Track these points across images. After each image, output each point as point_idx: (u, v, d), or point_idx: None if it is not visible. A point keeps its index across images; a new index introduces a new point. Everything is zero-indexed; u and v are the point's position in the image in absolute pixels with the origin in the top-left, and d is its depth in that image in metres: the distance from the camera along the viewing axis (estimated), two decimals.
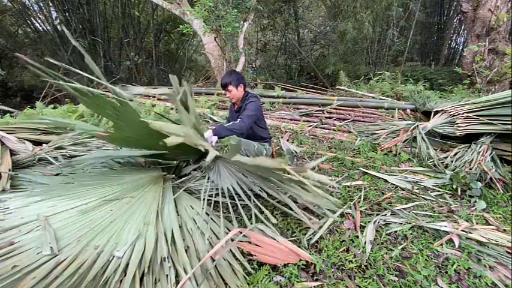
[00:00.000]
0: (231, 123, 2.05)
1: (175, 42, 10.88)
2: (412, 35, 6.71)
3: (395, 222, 1.72)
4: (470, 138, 2.58)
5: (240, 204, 1.65)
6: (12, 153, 2.57)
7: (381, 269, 1.36)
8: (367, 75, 5.90)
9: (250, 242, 1.42)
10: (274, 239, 1.46)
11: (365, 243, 1.53)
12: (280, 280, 1.30)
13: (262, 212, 1.58)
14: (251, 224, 1.59)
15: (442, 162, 2.46)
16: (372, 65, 8.12)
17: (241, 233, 1.45)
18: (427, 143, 2.71)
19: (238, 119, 2.07)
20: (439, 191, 2.10)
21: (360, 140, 3.08)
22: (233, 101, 2.28)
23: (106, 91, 1.45)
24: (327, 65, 8.56)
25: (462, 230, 1.60)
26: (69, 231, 1.51)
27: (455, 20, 9.08)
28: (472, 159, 2.27)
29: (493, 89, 4.88)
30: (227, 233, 1.57)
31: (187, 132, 1.38)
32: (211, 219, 1.70)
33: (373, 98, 4.36)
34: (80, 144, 3.10)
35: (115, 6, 8.77)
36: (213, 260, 1.40)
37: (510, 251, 1.45)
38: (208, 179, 1.85)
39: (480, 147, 2.38)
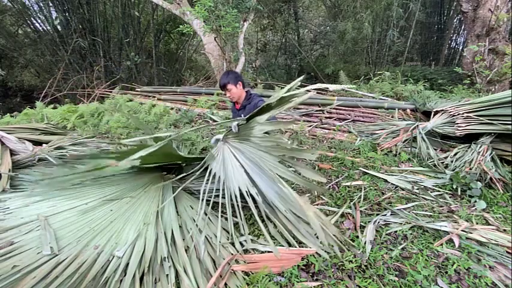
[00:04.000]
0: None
1: (175, 42, 10.88)
2: (412, 35, 6.71)
3: (395, 222, 1.72)
4: (470, 138, 2.57)
5: (240, 204, 1.65)
6: (12, 153, 2.57)
7: (381, 269, 1.36)
8: (367, 75, 5.90)
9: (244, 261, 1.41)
10: (269, 251, 1.45)
11: (365, 243, 1.53)
12: (280, 280, 1.30)
13: (262, 218, 1.56)
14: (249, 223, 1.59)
15: (442, 162, 2.46)
16: (372, 65, 8.11)
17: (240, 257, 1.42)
18: (427, 143, 2.71)
19: None
20: (439, 191, 2.10)
21: (360, 140, 3.08)
22: (234, 101, 2.27)
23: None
24: (327, 65, 8.55)
25: (462, 230, 1.60)
26: (69, 231, 1.51)
27: (455, 20, 9.07)
28: (472, 159, 2.27)
29: (493, 89, 4.88)
30: (226, 237, 1.58)
31: None
32: (210, 219, 1.70)
33: (373, 98, 4.36)
34: (79, 144, 3.11)
35: (115, 6, 8.76)
36: (213, 261, 1.41)
37: (510, 251, 1.45)
38: (210, 172, 1.82)
39: (480, 147, 2.37)
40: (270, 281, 1.29)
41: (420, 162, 2.56)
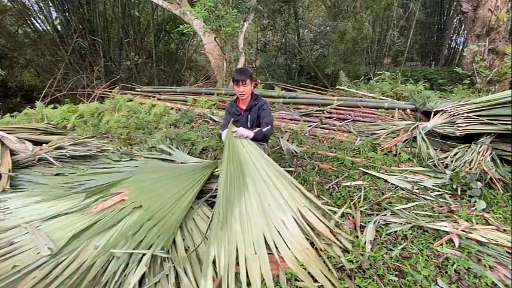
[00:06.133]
0: (265, 129, 2.13)
1: (175, 42, 10.88)
2: (412, 35, 6.71)
3: (395, 222, 1.72)
4: (470, 138, 2.57)
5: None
6: (12, 153, 2.57)
7: (380, 269, 1.36)
8: (367, 75, 5.89)
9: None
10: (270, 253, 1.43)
11: (365, 243, 1.53)
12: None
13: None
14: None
15: (442, 162, 2.46)
16: (372, 65, 8.11)
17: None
18: (427, 143, 2.71)
19: (265, 124, 2.15)
20: (439, 191, 2.10)
21: (360, 140, 3.08)
22: (244, 97, 2.24)
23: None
24: (327, 65, 8.54)
25: (462, 230, 1.60)
26: (69, 231, 1.51)
27: (455, 20, 9.08)
28: (472, 159, 2.27)
29: (493, 89, 4.87)
30: None
31: None
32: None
33: (373, 98, 4.36)
34: (80, 144, 3.11)
35: (115, 6, 8.77)
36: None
37: (510, 251, 1.45)
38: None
39: (480, 147, 2.37)
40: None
41: (420, 162, 2.56)
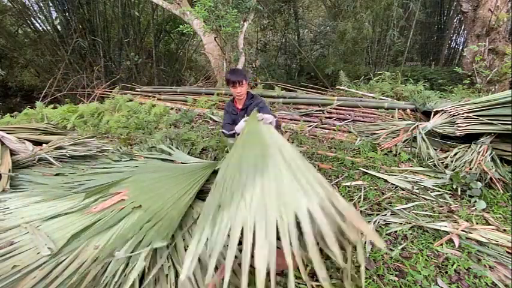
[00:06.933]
0: (275, 119, 2.06)
1: (175, 42, 10.88)
2: (412, 35, 6.71)
3: (395, 222, 1.72)
4: (470, 138, 2.57)
5: None
6: (12, 153, 2.57)
7: (380, 269, 1.36)
8: (367, 75, 5.89)
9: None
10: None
11: (365, 243, 1.53)
12: (280, 280, 1.30)
13: None
14: None
15: (442, 162, 2.46)
16: (372, 65, 8.11)
17: None
18: (427, 143, 2.70)
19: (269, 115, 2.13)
20: (439, 191, 2.10)
21: (360, 140, 3.08)
22: (240, 98, 2.27)
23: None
24: (327, 65, 8.54)
25: (462, 230, 1.60)
26: (69, 231, 1.51)
27: (455, 20, 9.08)
28: (472, 159, 2.27)
29: (493, 89, 4.87)
30: None
31: None
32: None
33: (373, 98, 4.36)
34: (80, 144, 3.11)
35: (115, 6, 8.77)
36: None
37: (510, 251, 1.45)
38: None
39: (480, 147, 2.37)
40: (270, 281, 1.28)
41: (420, 162, 2.56)
